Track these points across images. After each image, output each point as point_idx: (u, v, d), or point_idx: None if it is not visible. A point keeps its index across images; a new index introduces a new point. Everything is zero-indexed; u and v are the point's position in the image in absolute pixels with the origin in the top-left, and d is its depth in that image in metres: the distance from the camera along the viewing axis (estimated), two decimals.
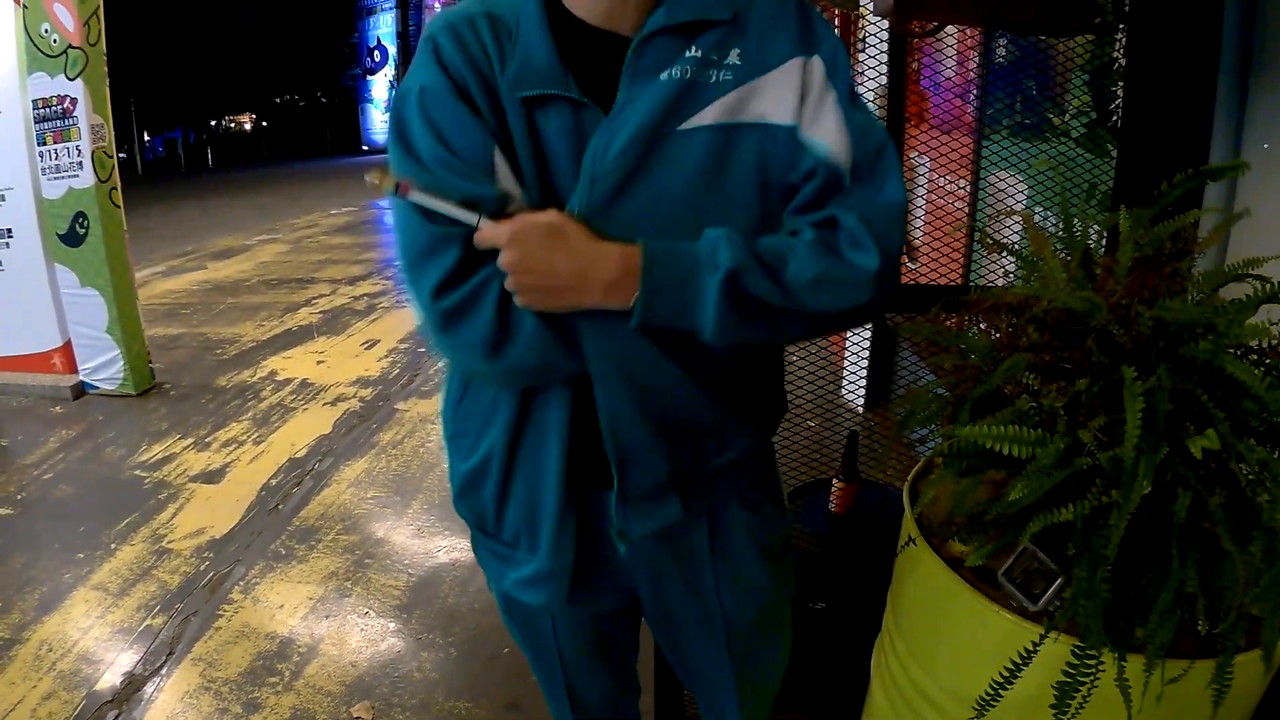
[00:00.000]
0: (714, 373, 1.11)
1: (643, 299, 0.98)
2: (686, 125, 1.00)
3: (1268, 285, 1.02)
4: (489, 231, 0.98)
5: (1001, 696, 1.04)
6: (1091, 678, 0.96)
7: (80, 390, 5.16)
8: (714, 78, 1.01)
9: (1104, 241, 1.40)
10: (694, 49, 1.01)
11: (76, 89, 4.65)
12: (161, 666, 2.70)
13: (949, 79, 3.14)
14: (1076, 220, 1.20)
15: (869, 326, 3.58)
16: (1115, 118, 2.06)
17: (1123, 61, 1.69)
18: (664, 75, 1.00)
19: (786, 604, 1.41)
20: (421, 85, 1.02)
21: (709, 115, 1.01)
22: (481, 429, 1.17)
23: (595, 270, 0.98)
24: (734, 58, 1.01)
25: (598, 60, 1.03)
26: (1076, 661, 0.97)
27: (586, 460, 1.13)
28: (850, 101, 1.04)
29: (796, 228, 1.03)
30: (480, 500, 1.23)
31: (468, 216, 0.98)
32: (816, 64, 1.03)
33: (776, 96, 1.02)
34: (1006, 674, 1.02)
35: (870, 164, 1.04)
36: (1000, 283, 1.99)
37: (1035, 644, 1.00)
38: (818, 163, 1.01)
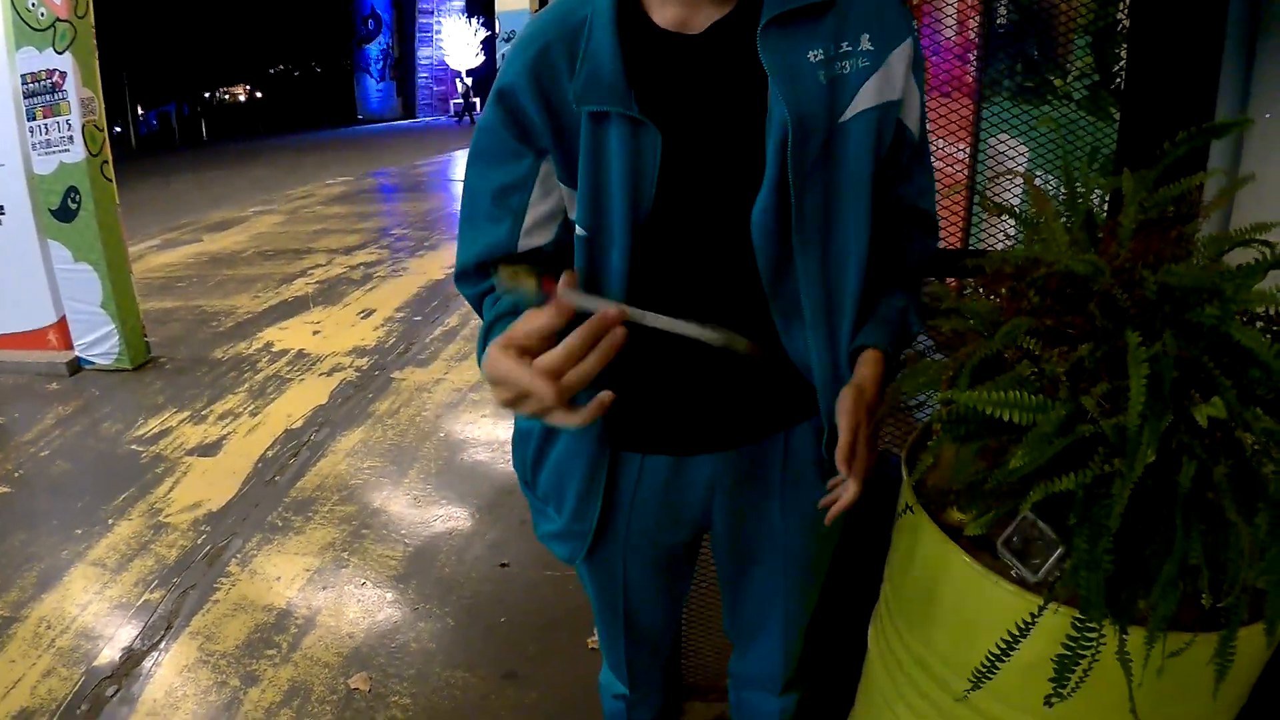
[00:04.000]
0: None
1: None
2: (847, 115, 1.07)
3: (1275, 250, 1.00)
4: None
5: (999, 669, 1.03)
6: (1092, 650, 0.95)
7: (76, 366, 5.15)
8: (856, 64, 1.07)
9: (1106, 206, 1.38)
10: (818, 51, 1.05)
11: (65, 63, 4.60)
12: (160, 641, 2.70)
13: (949, 41, 3.09)
14: (1079, 183, 1.17)
15: None
16: (1118, 81, 2.03)
17: (1126, 23, 1.66)
18: (811, 74, 1.05)
19: (833, 543, 1.45)
20: (481, 121, 1.15)
21: (865, 99, 1.07)
22: None
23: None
24: (866, 43, 1.07)
25: (664, 66, 1.08)
26: (1077, 634, 0.95)
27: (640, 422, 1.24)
28: (921, 83, 1.15)
29: (903, 223, 1.22)
30: (524, 458, 1.33)
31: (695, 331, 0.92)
32: (911, 45, 1.11)
33: (898, 73, 1.09)
34: (1003, 646, 1.01)
35: (925, 141, 1.21)
36: (1000, 246, 1.97)
37: (1034, 616, 0.98)
38: (909, 138, 1.15)
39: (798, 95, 1.04)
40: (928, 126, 1.21)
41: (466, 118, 22.76)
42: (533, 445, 1.29)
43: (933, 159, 1.27)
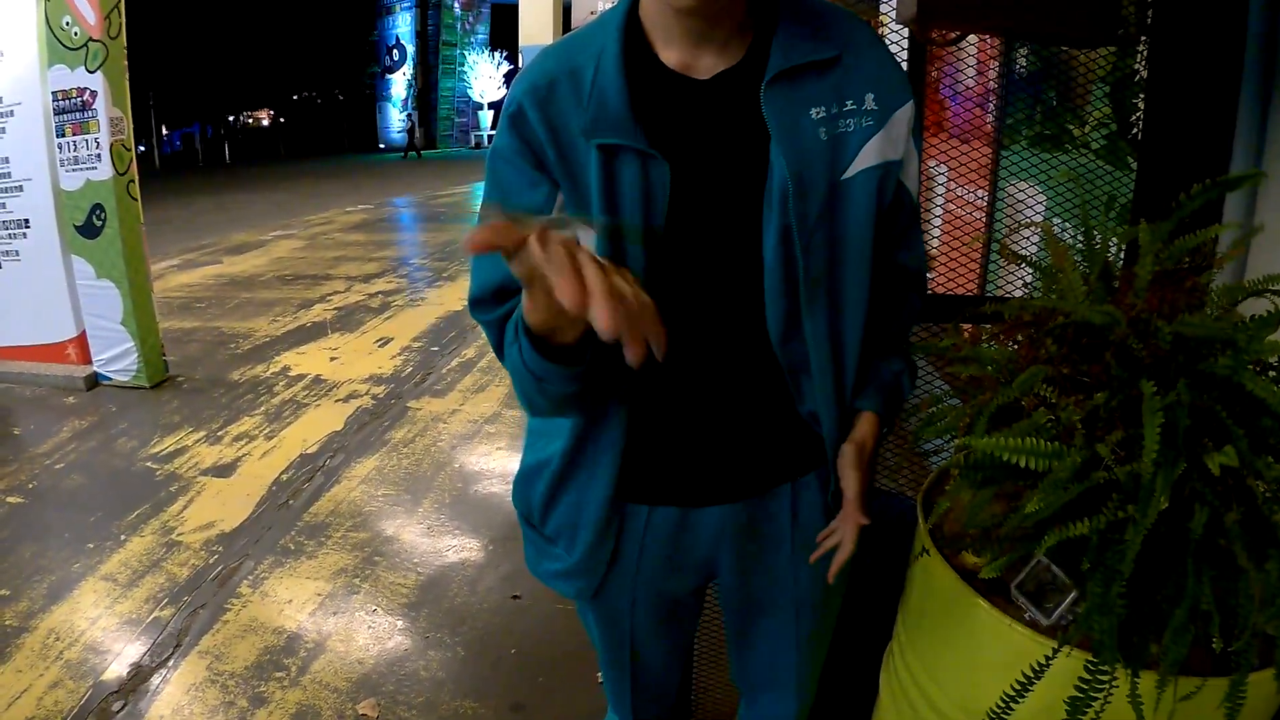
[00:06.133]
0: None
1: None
2: (849, 173, 1.10)
3: None
4: None
5: (1012, 710, 1.03)
6: (1104, 693, 0.96)
7: (94, 381, 5.19)
8: (860, 123, 1.09)
9: (1122, 255, 1.40)
10: (820, 109, 1.08)
11: (96, 82, 4.68)
12: (168, 658, 2.71)
13: (969, 88, 3.12)
14: (1096, 232, 1.19)
15: None
16: (1136, 130, 2.05)
17: (1144, 73, 1.68)
18: (812, 131, 1.08)
19: (841, 593, 1.45)
20: (495, 147, 1.15)
21: (867, 157, 1.10)
22: (551, 435, 1.26)
23: None
24: (870, 102, 1.09)
25: (670, 104, 1.10)
26: (1089, 677, 0.96)
27: (667, 476, 1.26)
28: (920, 147, 1.19)
29: (900, 286, 1.25)
30: (531, 495, 1.32)
31: None
32: (912, 108, 1.14)
33: (900, 134, 1.12)
34: (1017, 688, 1.02)
35: (919, 206, 1.22)
36: (1017, 293, 1.98)
37: (1048, 658, 0.99)
38: (907, 200, 1.18)
39: (798, 153, 1.07)
40: (949, 174, 1.26)
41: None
42: (544, 484, 1.28)
43: (951, 204, 1.30)
